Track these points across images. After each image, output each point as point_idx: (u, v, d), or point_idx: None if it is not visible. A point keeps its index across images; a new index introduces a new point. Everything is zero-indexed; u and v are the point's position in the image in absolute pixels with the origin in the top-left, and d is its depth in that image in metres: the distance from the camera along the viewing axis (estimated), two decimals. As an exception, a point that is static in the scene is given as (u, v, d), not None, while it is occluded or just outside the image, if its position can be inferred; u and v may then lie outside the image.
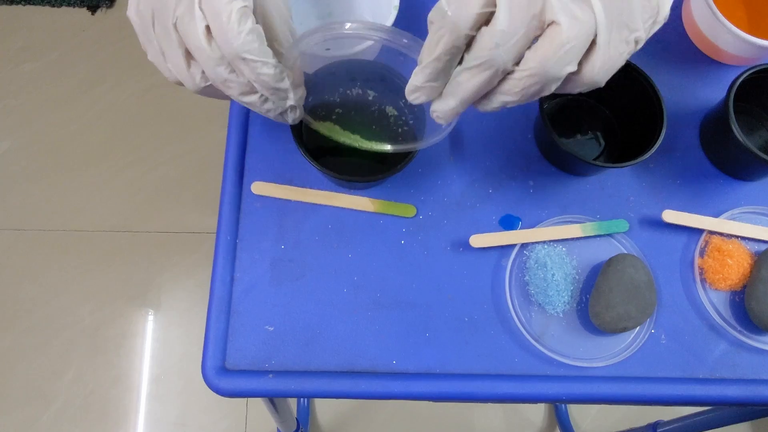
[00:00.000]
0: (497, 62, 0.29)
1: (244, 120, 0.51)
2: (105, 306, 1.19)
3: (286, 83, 0.36)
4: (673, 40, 0.57)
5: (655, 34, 0.58)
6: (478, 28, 0.29)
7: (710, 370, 0.48)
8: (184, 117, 1.33)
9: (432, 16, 0.31)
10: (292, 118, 0.40)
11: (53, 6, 1.40)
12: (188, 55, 0.35)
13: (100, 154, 1.29)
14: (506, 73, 0.31)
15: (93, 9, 1.40)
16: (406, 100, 0.48)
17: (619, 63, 0.31)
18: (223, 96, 0.38)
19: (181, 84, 0.37)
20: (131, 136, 1.31)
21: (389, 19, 0.48)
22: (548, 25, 0.28)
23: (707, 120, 0.54)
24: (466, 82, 0.31)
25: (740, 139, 0.48)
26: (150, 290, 1.21)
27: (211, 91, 0.37)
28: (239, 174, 0.50)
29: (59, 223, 1.24)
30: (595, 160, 0.52)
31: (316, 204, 0.50)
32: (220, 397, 0.45)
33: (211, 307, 0.46)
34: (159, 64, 0.36)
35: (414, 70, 0.34)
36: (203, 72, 0.35)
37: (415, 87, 0.34)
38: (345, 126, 0.49)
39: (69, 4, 1.40)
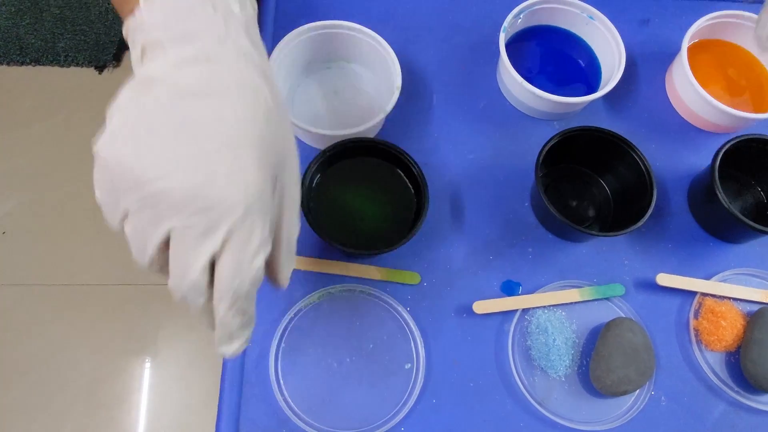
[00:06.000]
0: None
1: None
2: (107, 360, 1.20)
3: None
4: (659, 111, 0.60)
5: (643, 106, 0.61)
6: None
7: (710, 431, 0.50)
8: (187, 172, 1.36)
9: None
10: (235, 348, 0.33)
11: (62, 66, 1.45)
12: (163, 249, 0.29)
13: (105, 210, 1.31)
14: None
15: (100, 69, 1.45)
16: (408, 172, 0.51)
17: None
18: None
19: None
20: (136, 192, 1.33)
21: (392, 99, 0.51)
22: None
23: (694, 186, 0.57)
24: None
25: (726, 206, 0.50)
26: (152, 344, 1.22)
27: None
28: (251, 246, 0.52)
29: (64, 277, 1.25)
30: (589, 226, 0.55)
31: (324, 273, 0.52)
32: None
33: (224, 379, 0.48)
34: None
35: None
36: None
37: None
38: (355, 197, 0.52)
39: (77, 64, 1.45)
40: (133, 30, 0.31)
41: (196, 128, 0.28)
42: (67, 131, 1.38)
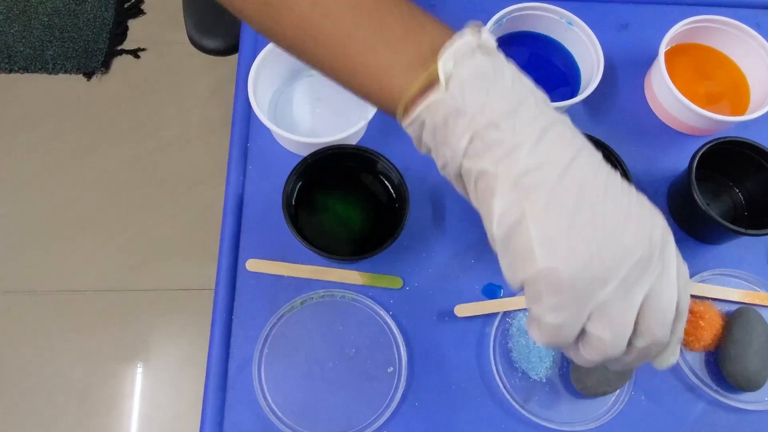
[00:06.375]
0: None
1: (239, 201, 0.54)
2: (98, 367, 1.19)
3: None
4: (639, 115, 0.61)
5: (622, 109, 0.62)
6: None
7: (690, 431, 0.50)
8: (174, 180, 1.36)
9: None
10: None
11: (50, 73, 1.45)
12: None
13: (94, 218, 1.31)
14: None
15: (89, 75, 1.45)
16: (389, 178, 0.51)
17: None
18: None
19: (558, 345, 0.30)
20: (124, 200, 1.33)
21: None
22: None
23: (673, 188, 0.57)
24: None
25: (703, 208, 0.51)
26: (142, 350, 1.22)
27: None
28: (234, 253, 0.52)
29: (53, 285, 1.25)
30: (570, 228, 0.55)
31: (307, 278, 0.52)
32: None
33: (208, 384, 0.48)
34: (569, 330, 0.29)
35: None
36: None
37: None
38: (337, 202, 0.53)
39: (66, 71, 1.45)
40: (436, 112, 0.30)
41: (597, 202, 0.29)
42: (56, 139, 1.38)
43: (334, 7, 0.32)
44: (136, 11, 1.54)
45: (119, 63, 1.48)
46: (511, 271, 0.30)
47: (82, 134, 1.39)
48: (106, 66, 1.46)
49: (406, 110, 0.31)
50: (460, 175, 0.32)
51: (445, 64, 0.29)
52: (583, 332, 0.30)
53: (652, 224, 0.30)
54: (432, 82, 0.30)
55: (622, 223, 0.29)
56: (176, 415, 1.17)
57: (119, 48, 1.49)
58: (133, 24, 1.52)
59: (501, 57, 0.31)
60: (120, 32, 1.51)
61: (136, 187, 1.34)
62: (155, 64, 1.48)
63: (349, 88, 0.34)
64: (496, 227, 0.29)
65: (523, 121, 0.29)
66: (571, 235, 0.28)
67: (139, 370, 1.20)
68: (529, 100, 0.30)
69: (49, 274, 1.25)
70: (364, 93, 0.33)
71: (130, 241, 1.29)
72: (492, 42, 0.31)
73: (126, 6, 1.53)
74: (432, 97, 0.30)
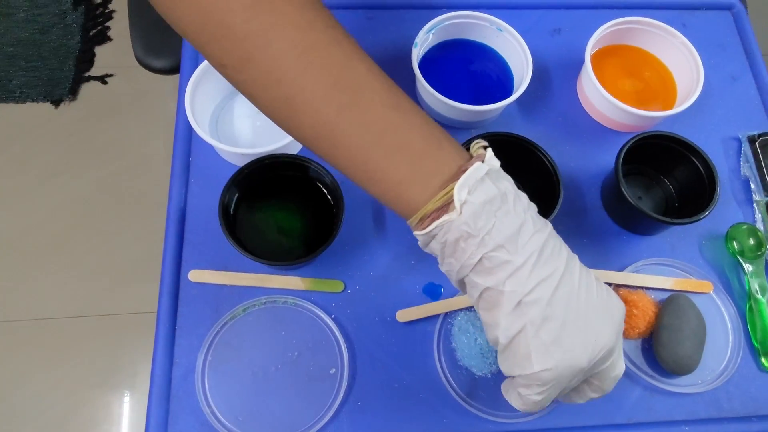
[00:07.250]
0: None
1: (181, 215, 0.55)
2: (73, 393, 1.19)
3: None
4: (572, 115, 0.64)
5: (556, 110, 0.64)
6: None
7: (627, 416, 0.52)
8: (142, 199, 1.36)
9: None
10: None
11: (17, 102, 1.46)
12: None
13: (62, 242, 1.31)
14: None
15: (56, 103, 1.46)
16: (323, 182, 0.53)
17: None
18: None
19: None
20: (93, 222, 1.33)
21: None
22: None
23: (605, 183, 0.60)
24: None
25: (632, 201, 0.53)
26: (118, 373, 1.21)
27: None
28: (177, 264, 0.53)
29: (23, 313, 1.24)
30: (507, 226, 0.57)
31: (250, 287, 0.53)
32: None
33: (152, 393, 0.49)
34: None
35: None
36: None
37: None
38: (274, 211, 0.54)
39: (33, 100, 1.45)
40: (453, 233, 0.33)
41: (584, 312, 0.35)
42: (21, 165, 1.38)
43: (361, 116, 0.34)
44: (103, 38, 1.55)
45: (87, 89, 1.49)
46: (507, 366, 0.35)
47: (50, 159, 1.39)
48: (73, 93, 1.47)
49: (421, 221, 0.35)
50: (462, 281, 0.36)
51: (460, 192, 0.33)
52: None
53: (618, 316, 0.36)
54: (447, 201, 0.33)
55: (599, 326, 0.35)
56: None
57: (87, 74, 1.50)
58: (100, 50, 1.54)
59: (504, 177, 0.35)
60: (87, 59, 1.52)
61: (104, 209, 1.35)
62: (123, 89, 1.49)
63: (362, 187, 0.37)
64: (501, 336, 0.34)
65: (525, 240, 0.34)
66: (561, 342, 0.34)
67: (115, 393, 1.19)
68: (527, 219, 0.34)
69: (19, 301, 1.25)
70: (376, 195, 0.37)
71: (101, 264, 1.29)
72: (496, 163, 0.35)
73: (92, 33, 1.55)
74: (446, 218, 0.33)
